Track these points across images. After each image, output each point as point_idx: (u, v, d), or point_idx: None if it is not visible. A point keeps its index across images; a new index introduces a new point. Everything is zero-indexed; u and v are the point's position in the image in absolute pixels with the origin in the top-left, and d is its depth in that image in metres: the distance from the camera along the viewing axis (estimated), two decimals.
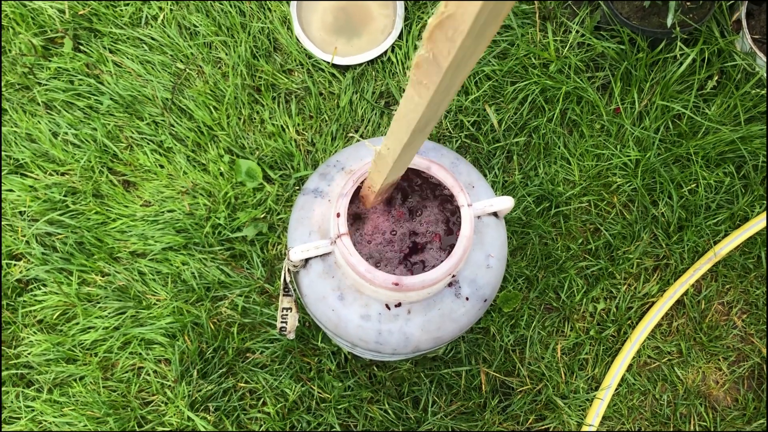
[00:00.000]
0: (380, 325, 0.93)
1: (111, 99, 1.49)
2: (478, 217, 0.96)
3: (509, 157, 1.50)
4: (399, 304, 0.92)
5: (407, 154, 0.71)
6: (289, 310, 1.01)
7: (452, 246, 0.91)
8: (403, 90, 1.51)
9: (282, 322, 1.03)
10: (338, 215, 0.88)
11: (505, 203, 0.95)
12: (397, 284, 0.85)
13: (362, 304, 0.93)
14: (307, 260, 0.94)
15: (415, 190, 0.97)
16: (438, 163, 0.92)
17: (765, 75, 1.50)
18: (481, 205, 0.95)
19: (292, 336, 1.05)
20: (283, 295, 0.98)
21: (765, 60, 1.47)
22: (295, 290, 1.01)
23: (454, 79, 0.51)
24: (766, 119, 1.51)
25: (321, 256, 0.93)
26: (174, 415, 1.34)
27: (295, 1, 1.53)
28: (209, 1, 1.54)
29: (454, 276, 0.93)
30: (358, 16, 1.57)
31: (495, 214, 0.99)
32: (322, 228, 0.96)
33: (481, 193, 1.00)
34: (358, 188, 0.93)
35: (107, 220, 1.44)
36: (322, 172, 1.02)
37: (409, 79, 0.53)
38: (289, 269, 0.94)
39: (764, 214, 1.48)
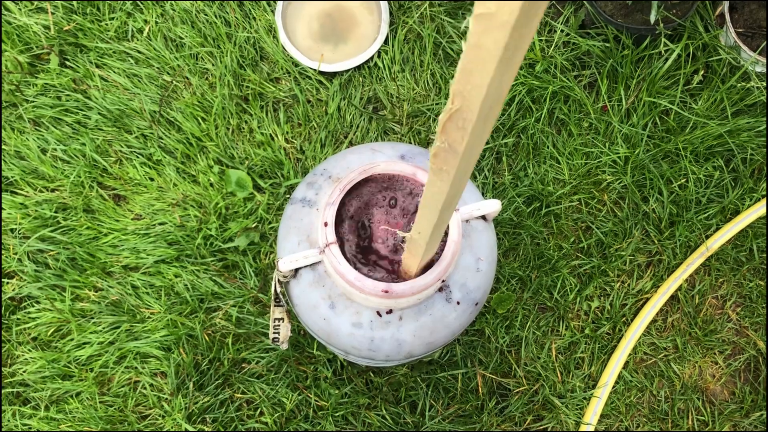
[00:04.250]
0: (372, 333, 0.93)
1: (99, 114, 1.49)
2: (466, 221, 0.96)
3: (498, 158, 1.50)
4: (390, 311, 0.93)
5: (437, 233, 0.75)
6: (281, 321, 1.01)
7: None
8: (391, 95, 1.51)
9: (275, 332, 1.03)
10: (326, 224, 0.88)
11: (493, 206, 0.95)
12: (386, 291, 0.85)
13: (353, 312, 0.93)
14: (296, 270, 0.94)
15: (405, 195, 0.97)
16: (424, 168, 0.92)
17: (750, 68, 1.51)
18: (469, 209, 0.95)
19: (285, 346, 1.05)
20: (275, 305, 0.98)
21: (750, 53, 1.47)
22: (286, 300, 1.01)
23: (470, 159, 0.55)
24: (766, 115, 1.51)
25: (311, 265, 0.93)
26: (171, 428, 1.33)
27: (281, 4, 1.53)
28: (194, 11, 1.54)
29: (444, 281, 0.93)
30: (344, 23, 1.57)
31: (483, 217, 0.99)
32: (311, 237, 0.96)
33: (468, 196, 1.00)
34: (346, 195, 0.93)
35: (99, 235, 1.44)
36: (309, 181, 1.02)
37: (430, 168, 0.57)
38: (279, 280, 0.94)
39: (755, 206, 1.48)
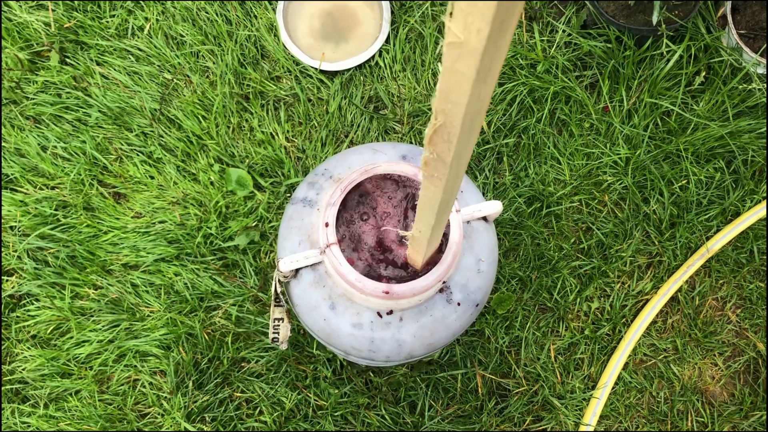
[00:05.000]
0: (372, 333, 0.93)
1: (99, 111, 1.48)
2: (468, 222, 0.96)
3: (499, 158, 1.50)
4: (390, 312, 0.92)
5: (437, 232, 0.78)
6: (280, 321, 1.01)
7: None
8: (392, 94, 1.51)
9: (274, 332, 1.03)
10: (327, 225, 0.88)
11: (494, 207, 0.95)
12: (387, 292, 0.85)
13: (354, 312, 0.93)
14: (297, 270, 0.94)
15: (406, 196, 0.97)
16: None
17: (751, 70, 1.51)
18: (470, 210, 0.95)
19: (284, 346, 1.05)
20: (275, 305, 0.98)
21: (752, 55, 1.47)
22: (286, 300, 1.01)
23: (459, 166, 0.58)
24: (766, 117, 1.51)
25: (311, 265, 0.93)
26: (171, 426, 1.33)
27: (282, 5, 1.52)
28: (195, 9, 1.54)
29: (444, 282, 0.93)
30: (345, 21, 1.57)
31: (485, 218, 0.99)
32: (312, 237, 0.96)
33: (469, 197, 1.00)
34: (348, 194, 0.93)
35: (99, 233, 1.43)
36: (310, 181, 1.02)
37: (422, 174, 0.61)
38: (279, 280, 0.94)
39: (755, 208, 1.48)
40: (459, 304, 0.95)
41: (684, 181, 1.50)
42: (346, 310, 0.93)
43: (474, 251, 0.96)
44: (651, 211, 1.49)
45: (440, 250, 0.94)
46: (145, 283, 1.41)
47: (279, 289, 0.95)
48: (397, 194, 0.97)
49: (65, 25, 1.52)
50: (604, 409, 1.41)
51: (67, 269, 1.40)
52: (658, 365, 1.45)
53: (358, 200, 0.97)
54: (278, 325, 1.02)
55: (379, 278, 0.93)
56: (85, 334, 1.38)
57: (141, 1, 1.55)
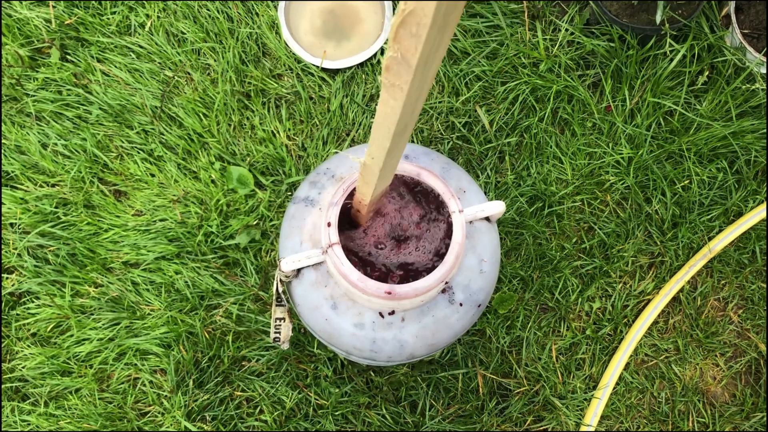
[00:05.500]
0: (374, 334, 0.93)
1: (100, 108, 1.48)
2: (470, 222, 0.96)
3: (501, 157, 1.50)
4: (392, 312, 0.92)
5: (391, 161, 0.71)
6: (282, 320, 1.01)
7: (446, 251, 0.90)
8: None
9: (275, 332, 1.02)
10: (329, 224, 0.87)
11: (497, 208, 0.95)
12: (389, 293, 0.85)
13: (355, 312, 0.92)
14: (299, 270, 0.93)
15: (408, 195, 0.97)
16: (428, 169, 0.92)
17: (755, 69, 1.50)
18: (473, 210, 0.94)
19: (286, 346, 1.05)
20: (276, 305, 0.98)
21: (755, 55, 1.47)
22: (288, 300, 1.00)
23: (425, 75, 0.51)
24: (766, 116, 1.50)
25: (313, 265, 0.93)
26: (171, 425, 1.33)
27: (283, 3, 1.52)
28: (197, 6, 1.53)
29: (447, 282, 0.93)
30: (347, 19, 1.56)
31: (487, 218, 0.98)
32: (314, 237, 0.95)
33: (472, 197, 0.99)
34: (350, 195, 0.92)
35: (99, 231, 1.43)
36: (312, 180, 1.01)
37: (382, 84, 0.53)
38: (281, 279, 0.93)
39: (758, 208, 1.48)
40: (461, 304, 0.94)
41: (686, 181, 1.49)
42: (348, 310, 0.93)
43: (476, 251, 0.96)
44: (653, 211, 1.49)
45: (439, 254, 0.93)
46: (146, 281, 1.40)
47: (280, 289, 0.95)
48: (400, 193, 0.97)
49: (66, 22, 1.52)
50: (605, 410, 1.40)
51: (67, 267, 1.40)
52: (660, 365, 1.45)
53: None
54: (280, 325, 1.02)
55: (382, 278, 0.93)
56: (86, 333, 1.38)
57: None
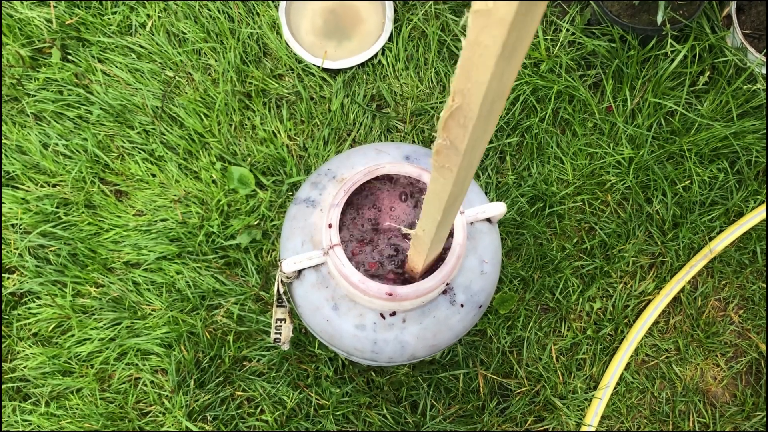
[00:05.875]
0: (375, 335, 0.93)
1: (101, 108, 1.48)
2: (471, 223, 0.96)
3: (502, 157, 1.50)
4: (394, 313, 0.92)
5: (442, 232, 0.74)
6: (283, 321, 1.01)
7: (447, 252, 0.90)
8: (395, 93, 1.50)
9: (276, 333, 1.02)
10: (330, 226, 0.87)
11: (498, 209, 0.95)
12: (390, 294, 0.85)
13: (357, 313, 0.92)
14: (300, 271, 0.94)
15: (409, 197, 0.97)
16: (429, 170, 0.91)
17: (756, 70, 1.50)
18: (474, 211, 0.94)
19: (286, 347, 1.05)
20: (277, 306, 0.98)
21: (756, 55, 1.47)
22: (288, 301, 1.00)
23: (472, 157, 0.55)
24: (766, 116, 1.50)
25: (314, 266, 0.93)
26: (172, 425, 1.33)
27: (284, 3, 1.52)
28: (198, 6, 1.53)
29: (448, 284, 0.93)
30: (348, 19, 1.56)
31: (488, 219, 0.98)
32: (315, 238, 0.95)
33: (473, 198, 0.99)
34: (351, 195, 0.92)
35: (100, 231, 1.43)
36: (313, 181, 1.01)
37: (432, 165, 0.57)
38: (282, 280, 0.93)
39: (759, 209, 1.48)
40: (462, 305, 0.94)
41: (687, 182, 1.49)
42: (349, 312, 0.93)
43: (477, 253, 0.96)
44: (654, 211, 1.49)
45: (441, 255, 0.93)
46: (147, 281, 1.40)
47: (281, 290, 0.95)
48: (401, 195, 0.97)
49: (67, 22, 1.52)
50: (606, 410, 1.40)
51: (68, 267, 1.40)
52: (660, 366, 1.45)
53: (361, 201, 0.96)
54: (280, 326, 1.02)
55: (384, 277, 0.93)
56: (87, 332, 1.38)
57: None
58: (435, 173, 0.59)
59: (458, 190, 0.61)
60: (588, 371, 1.42)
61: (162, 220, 1.43)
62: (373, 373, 1.37)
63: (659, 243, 1.48)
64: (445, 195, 0.61)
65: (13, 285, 1.40)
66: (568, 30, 1.54)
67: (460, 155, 0.52)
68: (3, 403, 1.35)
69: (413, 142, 1.49)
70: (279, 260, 0.94)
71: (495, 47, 0.39)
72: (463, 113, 0.47)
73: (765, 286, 1.49)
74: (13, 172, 1.45)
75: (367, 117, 1.50)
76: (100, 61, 1.51)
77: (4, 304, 1.40)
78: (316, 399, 1.35)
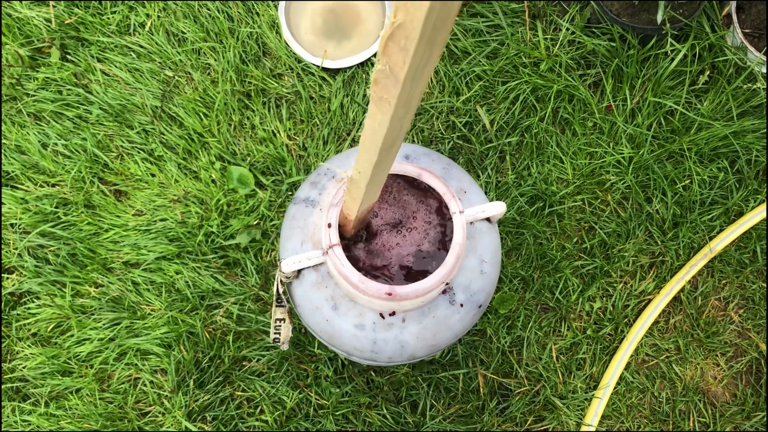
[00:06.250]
0: (375, 334, 0.93)
1: (100, 108, 1.48)
2: (471, 223, 0.96)
3: (502, 157, 1.50)
4: (393, 313, 0.92)
5: (379, 175, 0.70)
6: (282, 321, 1.01)
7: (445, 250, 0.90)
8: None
9: (276, 333, 1.02)
10: (329, 225, 0.87)
11: (498, 209, 0.95)
12: (390, 294, 0.85)
13: (356, 313, 0.92)
14: (299, 271, 0.93)
15: (409, 196, 0.97)
16: (428, 170, 0.91)
17: (756, 69, 1.50)
18: (474, 211, 0.94)
19: (286, 347, 1.05)
20: (276, 306, 0.98)
21: (756, 54, 1.46)
22: (288, 301, 1.00)
23: (413, 89, 0.51)
24: (765, 115, 1.50)
25: (314, 266, 0.93)
26: (171, 425, 1.33)
27: (284, 3, 1.51)
28: (197, 6, 1.53)
29: (447, 283, 0.93)
30: (347, 18, 1.56)
31: (488, 219, 0.98)
32: (315, 237, 0.95)
33: (473, 198, 0.99)
34: None
35: (99, 231, 1.43)
36: (312, 181, 1.01)
37: (370, 97, 0.53)
38: (281, 280, 0.93)
39: (759, 208, 1.48)
40: (462, 305, 0.94)
41: (687, 181, 1.49)
42: (349, 311, 0.92)
43: (477, 252, 0.96)
44: (654, 210, 1.48)
45: (443, 250, 0.93)
46: (146, 281, 1.40)
47: (281, 290, 0.95)
48: (400, 194, 0.97)
49: (66, 22, 1.52)
50: (606, 410, 1.40)
51: (67, 267, 1.40)
52: (660, 365, 1.45)
53: None
54: (280, 326, 1.01)
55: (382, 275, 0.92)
56: (86, 333, 1.38)
57: None
58: (372, 107, 0.54)
59: (396, 128, 0.57)
60: (588, 371, 1.42)
61: (161, 220, 1.43)
62: (372, 373, 1.37)
63: (659, 242, 1.48)
64: (382, 132, 0.56)
65: (13, 285, 1.40)
66: (567, 29, 1.53)
67: (399, 84, 0.48)
68: (2, 404, 1.35)
69: (412, 141, 1.49)
70: (278, 260, 0.94)
71: None
72: (404, 33, 0.43)
73: (765, 285, 1.48)
74: (13, 171, 1.44)
75: None
76: (99, 60, 1.51)
77: (3, 304, 1.39)
78: (316, 399, 1.35)
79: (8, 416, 1.34)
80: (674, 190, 1.49)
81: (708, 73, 1.51)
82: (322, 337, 0.97)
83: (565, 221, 1.46)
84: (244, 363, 1.37)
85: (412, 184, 0.96)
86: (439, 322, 0.94)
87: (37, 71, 1.50)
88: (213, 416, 1.34)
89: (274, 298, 0.96)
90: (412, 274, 0.93)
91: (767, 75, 1.50)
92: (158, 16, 1.53)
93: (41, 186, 1.45)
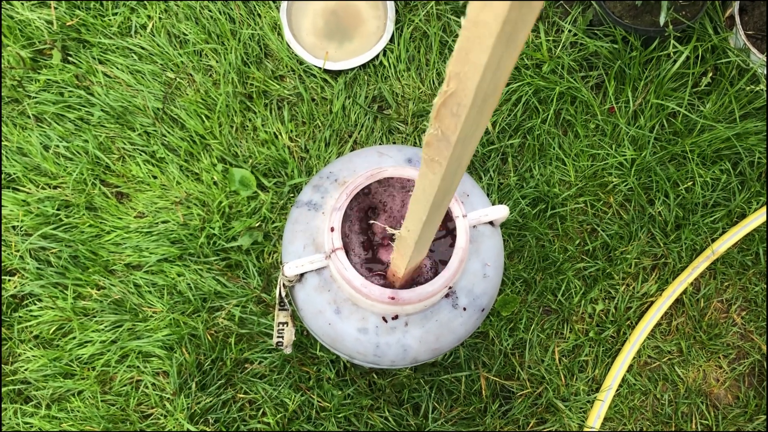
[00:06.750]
0: (378, 338, 0.93)
1: (102, 110, 1.48)
2: (474, 226, 0.95)
3: (504, 159, 1.49)
4: (396, 317, 0.92)
5: (427, 233, 0.71)
6: (285, 325, 1.00)
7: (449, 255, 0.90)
8: (396, 94, 1.50)
9: (279, 336, 1.02)
10: (332, 229, 0.87)
11: (501, 212, 0.95)
12: (393, 298, 0.84)
13: (359, 317, 0.92)
14: (302, 274, 0.93)
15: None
16: None
17: (758, 71, 1.50)
18: (477, 215, 0.94)
19: (288, 350, 1.04)
20: (279, 309, 0.97)
21: (760, 56, 1.46)
22: (290, 304, 1.00)
23: (463, 151, 0.53)
24: (766, 117, 1.50)
25: (316, 270, 0.93)
26: (173, 428, 1.33)
27: (285, 4, 1.51)
28: (198, 7, 1.52)
29: (450, 287, 0.92)
30: (349, 20, 1.56)
31: (491, 222, 0.98)
32: (317, 241, 0.95)
33: (476, 201, 0.99)
34: (353, 199, 0.92)
35: (101, 233, 1.43)
36: (315, 184, 1.01)
37: (422, 158, 0.54)
38: (284, 284, 0.93)
39: (761, 210, 1.47)
40: (465, 309, 0.94)
41: (690, 183, 1.49)
42: (351, 315, 0.92)
43: (480, 256, 0.95)
44: (656, 212, 1.48)
45: (442, 259, 0.93)
46: (148, 283, 1.40)
47: (283, 293, 0.94)
48: (403, 199, 0.96)
49: (67, 23, 1.51)
50: (608, 412, 1.40)
51: (69, 269, 1.40)
52: (663, 367, 1.44)
53: (363, 204, 0.96)
54: (282, 329, 1.01)
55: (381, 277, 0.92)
56: (88, 335, 1.37)
57: (144, 0, 1.54)
58: (424, 167, 0.56)
59: (447, 186, 0.58)
60: (590, 373, 1.42)
61: (163, 222, 1.43)
62: (375, 376, 1.37)
63: (662, 244, 1.48)
64: (433, 191, 0.58)
65: (14, 287, 1.40)
66: (570, 31, 1.53)
67: (450, 147, 0.50)
68: (4, 406, 1.35)
69: (415, 143, 1.49)
70: (281, 263, 0.94)
71: (495, 25, 0.38)
72: (456, 100, 0.45)
73: (767, 287, 1.48)
74: (14, 174, 1.44)
75: (369, 118, 1.49)
76: (100, 62, 1.51)
77: (5, 306, 1.39)
78: (318, 401, 1.35)
79: (10, 418, 1.34)
80: (677, 192, 1.49)
81: (711, 75, 1.51)
82: (324, 340, 0.97)
83: (567, 223, 1.46)
84: (246, 365, 1.37)
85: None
86: (442, 325, 0.94)
87: (39, 73, 1.50)
88: (215, 419, 1.34)
89: (277, 302, 0.96)
90: (415, 278, 0.93)
91: (767, 77, 1.50)
92: (159, 18, 1.52)
93: (43, 188, 1.45)
